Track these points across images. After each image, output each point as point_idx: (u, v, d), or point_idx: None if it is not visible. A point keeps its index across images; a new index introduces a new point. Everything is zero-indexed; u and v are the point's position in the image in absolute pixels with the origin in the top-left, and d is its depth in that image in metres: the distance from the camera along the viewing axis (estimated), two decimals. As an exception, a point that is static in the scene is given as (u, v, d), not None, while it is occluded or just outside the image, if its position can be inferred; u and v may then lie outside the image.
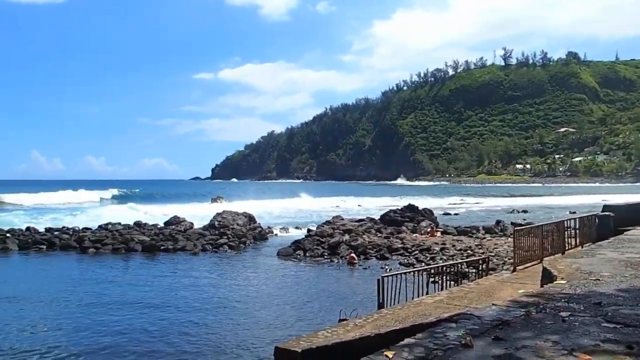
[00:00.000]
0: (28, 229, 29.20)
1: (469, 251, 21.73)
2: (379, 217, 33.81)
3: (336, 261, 21.67)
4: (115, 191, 76.82)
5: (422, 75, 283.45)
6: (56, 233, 27.82)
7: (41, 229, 29.41)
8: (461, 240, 25.02)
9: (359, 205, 57.82)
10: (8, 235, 26.82)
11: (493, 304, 5.18)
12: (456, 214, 46.92)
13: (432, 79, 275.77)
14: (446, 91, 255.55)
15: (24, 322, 12.16)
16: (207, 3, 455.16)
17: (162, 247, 24.59)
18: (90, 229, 29.63)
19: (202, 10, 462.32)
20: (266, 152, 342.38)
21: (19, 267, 21.52)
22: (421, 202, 45.42)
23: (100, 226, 30.32)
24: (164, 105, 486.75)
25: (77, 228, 29.92)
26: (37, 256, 23.53)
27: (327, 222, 30.56)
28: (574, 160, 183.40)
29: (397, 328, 6.29)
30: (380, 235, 27.47)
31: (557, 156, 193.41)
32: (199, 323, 11.85)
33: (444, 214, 43.98)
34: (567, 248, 12.43)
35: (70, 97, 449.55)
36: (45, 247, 25.16)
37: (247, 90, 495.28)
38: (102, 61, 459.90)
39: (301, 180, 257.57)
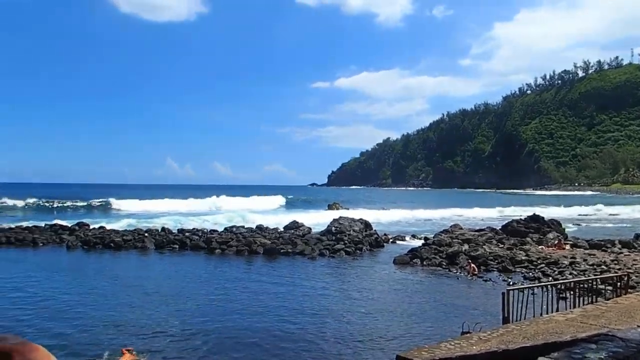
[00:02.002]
0: (163, 229, 31.74)
1: (602, 266, 20.01)
2: (500, 227, 32.35)
3: (455, 271, 21.05)
4: (282, 198, 79.36)
5: (547, 77, 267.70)
6: (187, 234, 29.91)
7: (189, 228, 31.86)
8: (593, 255, 23.12)
9: (498, 213, 55.14)
10: (146, 235, 29.41)
11: (638, 326, 4.74)
12: (587, 226, 43.46)
13: (559, 81, 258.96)
14: (575, 94, 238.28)
15: (160, 312, 13.24)
16: (324, 14, 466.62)
17: (281, 251, 25.48)
18: (216, 231, 31.51)
19: (320, 21, 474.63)
20: (381, 159, 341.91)
21: (155, 264, 23.38)
22: (547, 212, 42.74)
23: (225, 228, 32.17)
24: (283, 114, 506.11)
25: (205, 230, 31.98)
26: (170, 255, 25.46)
27: (445, 231, 29.79)
28: None
29: (528, 345, 5.95)
30: (502, 246, 26.24)
31: None
32: (317, 328, 12.08)
33: (573, 225, 40.96)
34: None
35: (200, 107, 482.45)
36: (177, 246, 27.18)
37: (362, 97, 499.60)
38: (227, 73, 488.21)
39: (417, 187, 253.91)
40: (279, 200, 75.67)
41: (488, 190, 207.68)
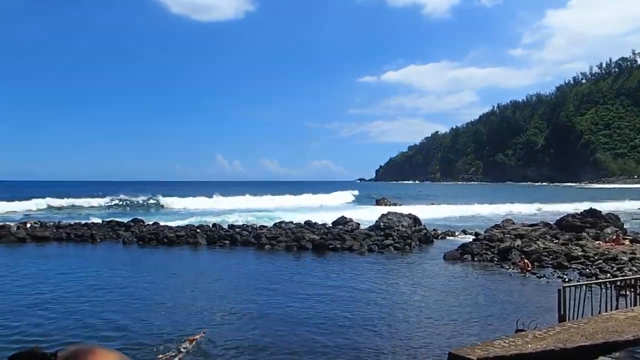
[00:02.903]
0: (214, 225, 32.44)
1: (666, 263, 19.12)
2: (554, 221, 31.35)
3: (507, 267, 20.57)
4: (354, 193, 79.93)
5: (603, 66, 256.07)
6: (237, 230, 30.45)
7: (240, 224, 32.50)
8: (656, 251, 22.10)
9: (537, 209, 53.58)
10: (198, 231, 30.14)
11: None
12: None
13: (616, 69, 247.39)
14: (634, 82, 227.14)
15: (215, 304, 13.57)
16: (369, 7, 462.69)
17: (330, 246, 25.58)
18: (266, 226, 31.93)
19: (365, 15, 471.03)
20: (430, 153, 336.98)
21: (207, 259, 23.96)
22: (604, 206, 41.10)
23: (275, 224, 32.57)
24: (330, 109, 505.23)
25: (255, 226, 32.47)
26: (221, 250, 26.01)
27: (497, 226, 29.17)
28: None
29: (587, 344, 5.78)
30: (556, 241, 25.43)
31: None
32: (368, 323, 12.08)
33: (633, 220, 39.25)
34: None
35: (248, 104, 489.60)
36: (228, 242, 27.70)
37: (410, 91, 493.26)
38: (273, 70, 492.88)
39: (466, 182, 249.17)
40: (348, 196, 75.54)
41: (541, 183, 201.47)
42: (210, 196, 66.50)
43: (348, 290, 15.92)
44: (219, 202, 61.29)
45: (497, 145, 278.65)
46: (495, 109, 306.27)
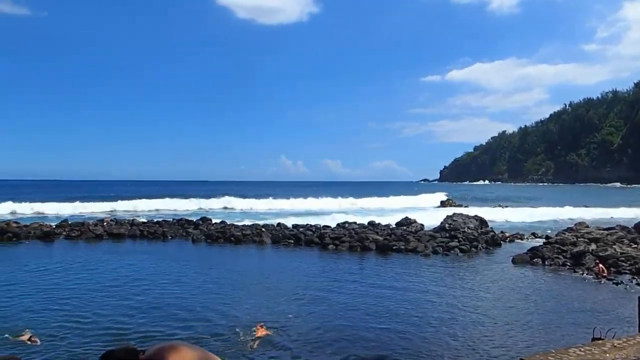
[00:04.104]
0: (279, 224, 33.02)
1: None
2: (632, 225, 29.69)
3: (580, 272, 19.72)
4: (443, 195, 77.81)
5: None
6: (301, 229, 30.83)
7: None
8: None
9: (613, 212, 50.81)
10: (263, 230, 30.78)
11: None
12: None
13: None
14: None
15: (281, 299, 13.86)
16: (433, 6, 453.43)
17: (394, 247, 25.42)
18: (329, 227, 32.15)
19: (429, 13, 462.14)
20: (497, 153, 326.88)
21: (272, 257, 24.41)
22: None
23: (338, 224, 32.73)
24: (392, 109, 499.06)
25: (318, 225, 32.77)
26: (285, 249, 26.45)
27: (569, 229, 27.96)
28: None
29: (671, 355, 5.49)
30: (635, 246, 24.05)
31: None
32: (433, 327, 11.93)
33: None
34: None
35: (311, 105, 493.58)
36: (292, 242, 28.11)
37: (476, 89, 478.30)
38: (336, 70, 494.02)
39: (536, 183, 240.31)
40: (437, 198, 73.43)
41: (617, 185, 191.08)
42: (274, 196, 67.77)
43: (414, 293, 15.78)
44: (292, 203, 62.33)
45: (569, 145, 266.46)
46: (567, 107, 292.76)
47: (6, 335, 10.63)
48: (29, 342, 10.08)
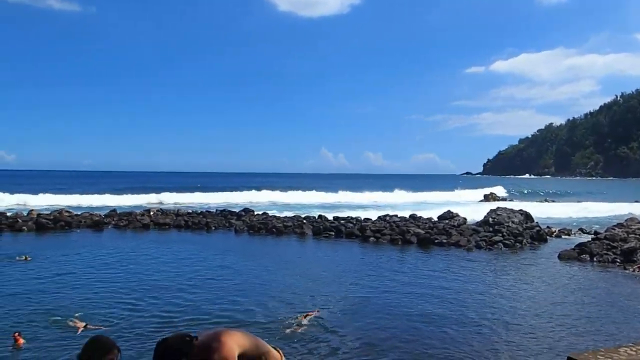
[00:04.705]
0: (320, 216, 33.19)
1: None
2: (688, 222, 28.44)
3: (631, 270, 19.07)
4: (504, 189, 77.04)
5: None
6: (342, 222, 30.89)
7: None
8: None
9: None
10: (304, 221, 31.02)
11: None
12: None
13: None
14: None
15: (324, 289, 14.00)
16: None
17: (435, 241, 25.18)
18: (370, 219, 32.09)
19: (472, 1, 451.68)
20: (543, 146, 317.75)
21: (313, 249, 24.58)
22: None
23: (379, 217, 32.64)
24: (433, 102, 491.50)
25: (359, 218, 32.76)
26: (326, 241, 26.59)
27: (620, 225, 27.02)
28: None
29: None
30: (691, 244, 23.08)
31: None
32: (476, 323, 11.77)
33: None
34: None
35: (352, 97, 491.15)
36: (333, 234, 28.22)
37: (521, 81, 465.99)
38: (377, 61, 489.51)
39: (584, 177, 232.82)
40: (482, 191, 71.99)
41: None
42: (316, 188, 68.00)
43: (456, 286, 15.64)
44: (333, 196, 62.41)
45: (620, 138, 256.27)
46: (619, 98, 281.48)
47: (58, 318, 11.10)
48: (84, 329, 10.39)
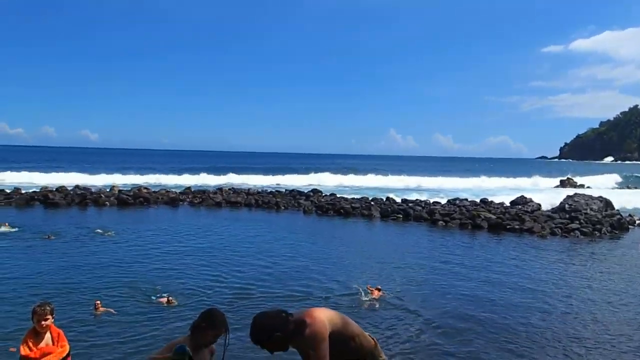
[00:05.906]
0: (388, 199, 33.14)
1: None
2: None
3: None
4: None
5: None
6: (410, 205, 30.69)
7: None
8: None
9: None
10: (372, 203, 31.08)
11: None
12: None
13: None
14: None
15: (390, 270, 14.11)
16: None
17: (507, 227, 24.54)
18: (439, 203, 31.69)
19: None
20: (627, 130, 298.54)
21: (381, 232, 24.62)
22: None
23: (449, 201, 32.17)
24: (509, 82, 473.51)
25: (428, 201, 32.42)
26: (394, 224, 26.53)
27: None
28: None
29: None
30: None
31: None
32: (564, 312, 11.42)
33: None
34: None
35: (422, 77, 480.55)
36: (401, 216, 28.12)
37: (604, 60, 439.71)
38: (447, 40, 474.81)
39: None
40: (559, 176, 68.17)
41: None
42: (383, 171, 67.57)
43: (533, 274, 15.20)
44: (401, 179, 61.72)
45: None
46: None
47: (147, 295, 11.67)
48: (166, 304, 10.87)
